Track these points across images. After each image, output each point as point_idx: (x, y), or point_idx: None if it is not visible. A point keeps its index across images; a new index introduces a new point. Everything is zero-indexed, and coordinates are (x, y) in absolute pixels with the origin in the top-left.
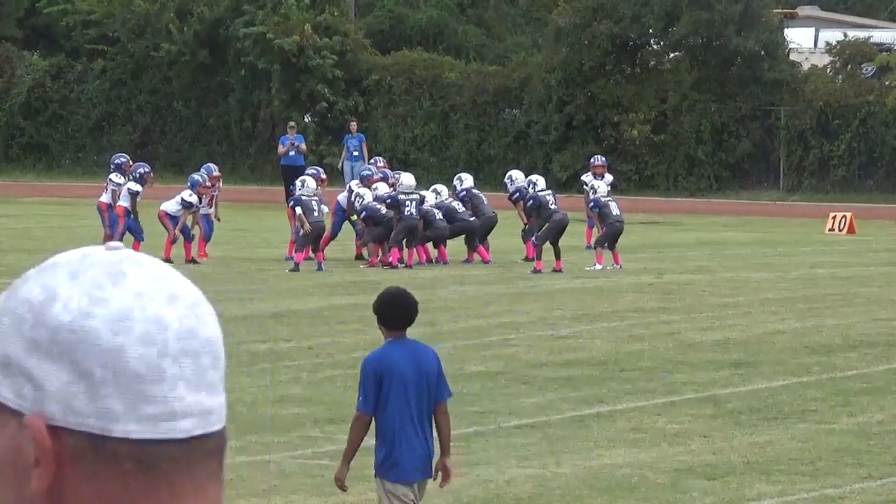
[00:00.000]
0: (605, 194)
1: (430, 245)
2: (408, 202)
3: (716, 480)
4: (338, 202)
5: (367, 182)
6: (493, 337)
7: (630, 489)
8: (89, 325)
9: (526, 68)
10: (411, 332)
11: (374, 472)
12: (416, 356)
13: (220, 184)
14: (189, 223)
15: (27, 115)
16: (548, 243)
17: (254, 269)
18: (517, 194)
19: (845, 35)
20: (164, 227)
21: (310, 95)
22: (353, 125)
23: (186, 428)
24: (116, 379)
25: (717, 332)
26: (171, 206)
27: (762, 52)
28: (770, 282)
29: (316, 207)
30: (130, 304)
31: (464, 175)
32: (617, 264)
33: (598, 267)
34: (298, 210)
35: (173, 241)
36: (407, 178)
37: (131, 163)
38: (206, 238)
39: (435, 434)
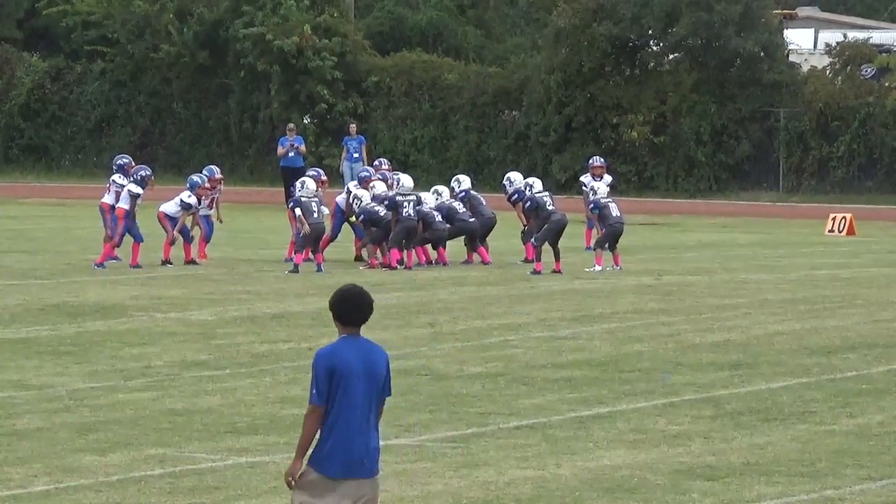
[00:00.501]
0: (605, 195)
1: (429, 246)
2: (405, 203)
3: (715, 481)
4: (337, 204)
5: (364, 183)
6: (492, 338)
7: (630, 490)
8: None
9: (525, 70)
10: (411, 332)
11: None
12: (367, 355)
13: (222, 186)
14: (189, 224)
15: (27, 117)
16: (547, 245)
17: (253, 270)
18: (516, 196)
19: (845, 36)
20: (164, 228)
21: (309, 97)
22: (353, 127)
23: None
24: None
25: (716, 333)
26: (170, 207)
27: (762, 54)
28: (770, 283)
29: (315, 209)
30: None
31: (461, 177)
32: (617, 266)
33: (598, 268)
34: (298, 211)
35: (172, 242)
36: (405, 180)
37: (133, 164)
38: (206, 239)
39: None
